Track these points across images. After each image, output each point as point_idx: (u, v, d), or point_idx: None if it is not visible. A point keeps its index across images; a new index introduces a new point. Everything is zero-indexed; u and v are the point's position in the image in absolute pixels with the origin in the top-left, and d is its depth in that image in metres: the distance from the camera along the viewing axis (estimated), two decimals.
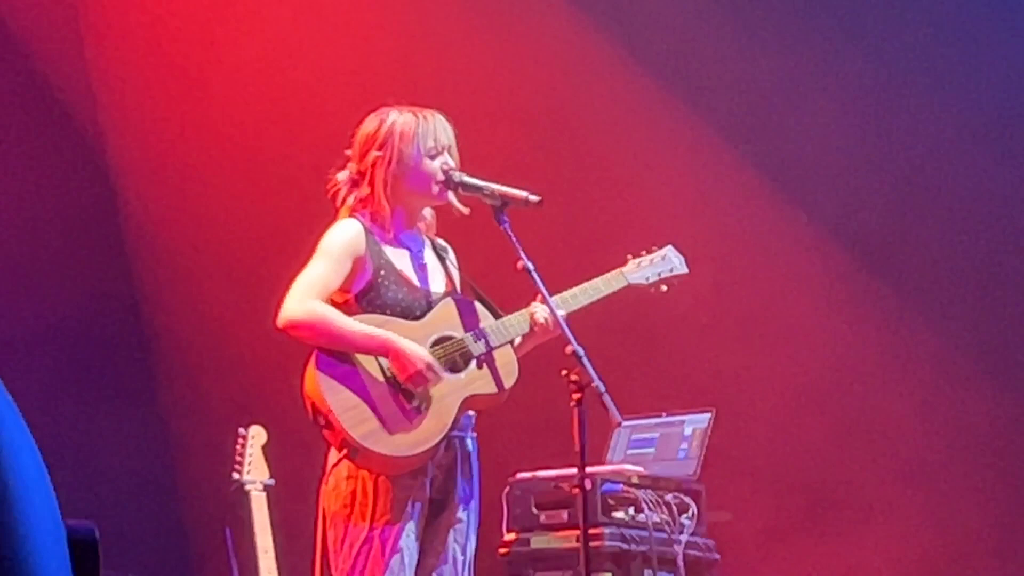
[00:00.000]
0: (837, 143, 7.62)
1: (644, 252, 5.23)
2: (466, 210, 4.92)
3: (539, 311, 4.87)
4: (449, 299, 4.91)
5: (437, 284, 4.93)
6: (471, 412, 4.88)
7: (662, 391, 7.27)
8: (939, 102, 7.50)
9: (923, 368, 7.49)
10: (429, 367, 4.72)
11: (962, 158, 7.51)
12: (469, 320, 4.87)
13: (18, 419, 1.80)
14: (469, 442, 4.90)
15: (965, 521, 7.34)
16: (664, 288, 5.23)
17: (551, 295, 4.84)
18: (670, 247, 5.29)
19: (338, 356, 4.72)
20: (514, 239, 4.79)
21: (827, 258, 7.62)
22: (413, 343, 4.74)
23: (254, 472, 6.23)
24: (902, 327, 7.55)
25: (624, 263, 5.18)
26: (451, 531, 4.84)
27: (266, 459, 6.26)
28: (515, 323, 4.88)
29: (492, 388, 4.83)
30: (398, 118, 4.87)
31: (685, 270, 5.28)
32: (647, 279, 5.19)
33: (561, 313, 4.84)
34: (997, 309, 7.48)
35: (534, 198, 4.83)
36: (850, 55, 7.62)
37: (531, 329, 4.89)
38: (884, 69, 7.58)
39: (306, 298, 4.71)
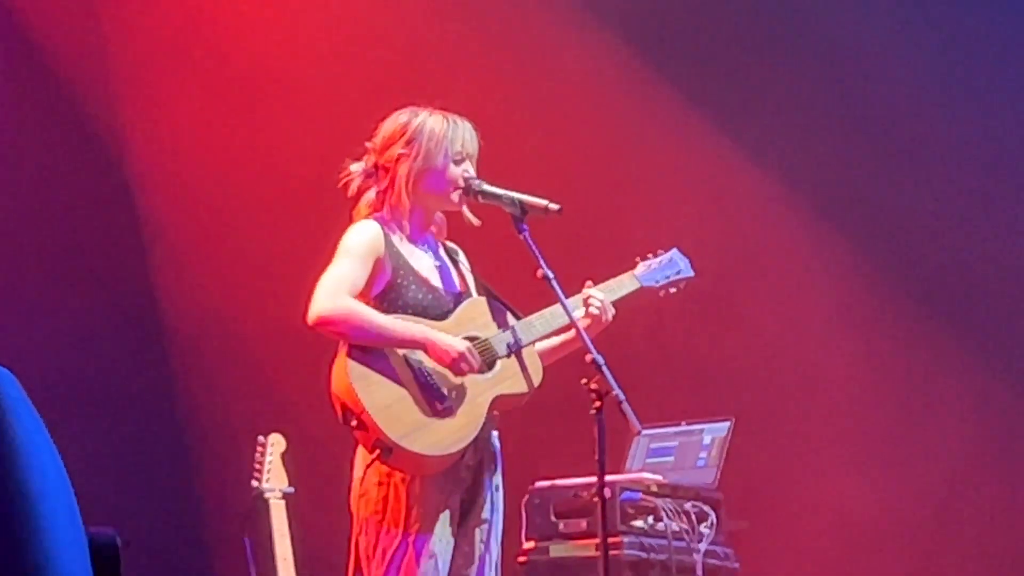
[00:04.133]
0: (859, 151, 7.61)
1: (651, 255, 5.23)
2: (477, 222, 4.91)
3: (594, 295, 4.89)
4: (480, 298, 4.91)
5: (453, 285, 4.93)
6: (496, 413, 4.88)
7: (681, 400, 7.27)
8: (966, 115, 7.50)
9: (948, 380, 7.46)
10: (467, 355, 4.72)
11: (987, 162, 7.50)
12: (499, 318, 4.87)
13: (40, 427, 1.81)
14: (494, 441, 4.91)
15: (989, 534, 7.32)
16: (673, 291, 5.23)
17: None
18: (675, 250, 5.28)
19: (369, 356, 4.70)
20: (534, 248, 4.77)
21: (851, 268, 7.61)
22: (448, 334, 4.75)
23: (273, 480, 6.23)
24: (926, 336, 7.53)
25: (633, 266, 5.18)
26: (477, 531, 4.84)
27: (285, 467, 6.26)
28: (545, 320, 4.87)
29: (521, 388, 4.83)
30: (428, 118, 4.86)
31: (691, 273, 5.27)
32: (657, 282, 5.19)
33: (580, 321, 4.84)
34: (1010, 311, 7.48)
35: (554, 206, 4.81)
36: (876, 64, 7.60)
37: (586, 313, 4.86)
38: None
39: (336, 294, 4.70)
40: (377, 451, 4.66)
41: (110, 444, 7.85)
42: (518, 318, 4.88)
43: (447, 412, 4.71)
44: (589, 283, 4.98)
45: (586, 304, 4.92)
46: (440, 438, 4.68)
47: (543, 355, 4.93)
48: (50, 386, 7.44)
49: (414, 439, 4.65)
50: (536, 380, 4.85)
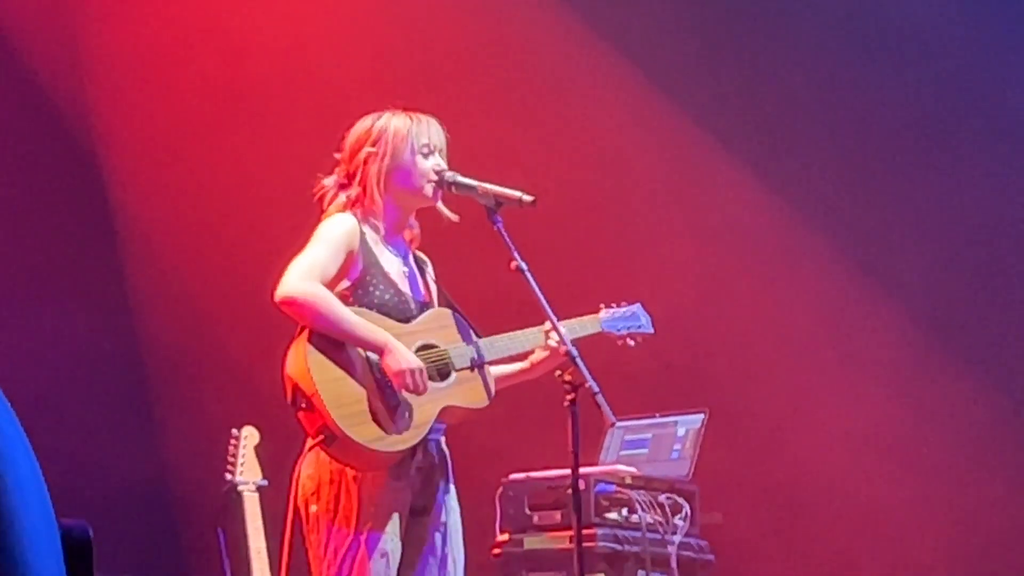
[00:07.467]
0: (843, 154, 7.63)
1: (615, 304, 5.28)
2: (455, 217, 4.94)
3: (553, 335, 4.90)
4: (445, 309, 4.92)
5: (419, 292, 4.95)
6: (443, 423, 4.88)
7: (655, 392, 7.27)
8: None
9: (929, 375, 7.48)
10: (416, 375, 4.71)
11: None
12: (462, 332, 4.89)
13: (12, 418, 1.80)
14: (444, 447, 4.91)
15: (958, 519, 7.35)
16: (631, 343, 5.27)
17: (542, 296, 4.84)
18: (638, 305, 5.35)
19: (329, 343, 4.70)
20: (508, 239, 4.79)
21: (825, 260, 7.62)
22: (406, 343, 4.74)
23: (247, 473, 6.23)
24: (906, 329, 7.54)
25: (597, 310, 5.22)
26: (435, 534, 4.85)
27: (259, 460, 6.26)
28: (506, 342, 4.90)
29: (472, 402, 4.85)
30: (392, 118, 4.90)
31: (651, 330, 5.34)
32: (618, 330, 5.25)
33: (537, 352, 4.91)
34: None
35: (528, 198, 4.83)
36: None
37: (544, 345, 4.92)
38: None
39: (307, 278, 4.70)
40: (321, 436, 4.65)
41: (83, 436, 7.83)
42: (477, 336, 4.91)
43: (395, 411, 4.71)
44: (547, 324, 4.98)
45: (546, 336, 4.94)
46: (384, 434, 4.68)
47: (496, 380, 4.95)
48: (23, 379, 7.42)
49: (359, 430, 4.65)
50: (488, 398, 4.87)
